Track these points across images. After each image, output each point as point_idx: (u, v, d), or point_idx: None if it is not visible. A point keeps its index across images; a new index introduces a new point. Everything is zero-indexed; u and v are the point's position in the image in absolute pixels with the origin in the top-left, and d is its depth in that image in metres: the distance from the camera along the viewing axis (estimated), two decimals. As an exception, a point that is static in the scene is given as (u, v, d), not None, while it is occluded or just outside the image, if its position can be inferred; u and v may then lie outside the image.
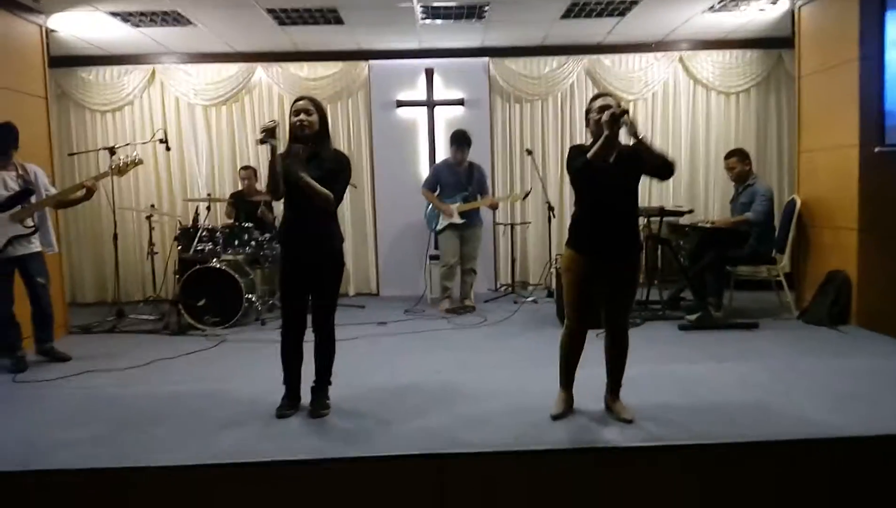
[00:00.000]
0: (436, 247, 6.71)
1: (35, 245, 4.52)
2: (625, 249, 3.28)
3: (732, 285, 5.71)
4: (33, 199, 4.49)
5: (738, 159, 5.64)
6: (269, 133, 3.28)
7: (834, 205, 5.46)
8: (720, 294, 5.47)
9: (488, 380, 3.99)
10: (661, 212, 5.39)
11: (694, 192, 7.51)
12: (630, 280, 3.33)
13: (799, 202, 5.68)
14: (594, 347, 3.44)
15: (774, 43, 7.15)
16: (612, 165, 3.13)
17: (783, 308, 5.68)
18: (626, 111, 3.06)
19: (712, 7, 6.07)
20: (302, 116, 3.36)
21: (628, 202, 3.29)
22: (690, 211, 5.87)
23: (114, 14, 5.66)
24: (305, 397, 3.55)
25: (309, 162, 3.40)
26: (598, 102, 3.24)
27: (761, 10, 6.22)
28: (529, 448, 2.92)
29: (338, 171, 3.44)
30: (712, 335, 4.98)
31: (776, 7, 6.18)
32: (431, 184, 6.45)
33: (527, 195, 7.04)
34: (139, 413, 3.55)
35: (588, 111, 3.30)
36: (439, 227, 6.35)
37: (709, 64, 7.32)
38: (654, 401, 3.49)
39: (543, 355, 4.44)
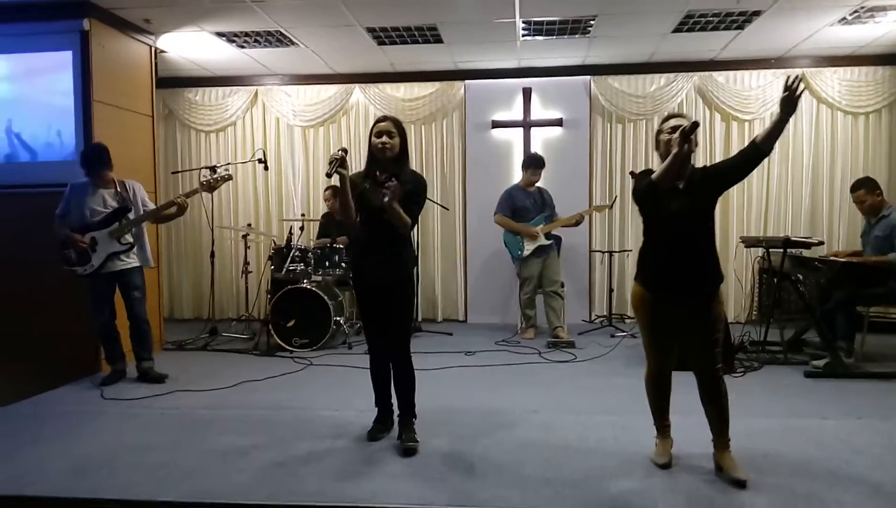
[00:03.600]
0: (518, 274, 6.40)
1: (133, 261, 4.61)
2: (697, 283, 2.91)
3: (866, 327, 5.06)
4: (131, 215, 4.57)
5: (866, 191, 5.02)
6: (337, 164, 3.13)
7: None
8: (852, 338, 4.84)
9: (592, 426, 3.62)
10: (786, 243, 4.82)
11: (816, 222, 6.87)
12: (706, 317, 2.90)
13: (947, 237, 4.99)
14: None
15: (911, 58, 6.48)
16: (682, 190, 2.88)
17: (922, 356, 5.01)
18: (698, 124, 2.71)
19: (844, 19, 5.51)
20: (385, 139, 3.26)
21: (701, 231, 2.92)
22: (820, 243, 5.24)
23: (219, 35, 5.77)
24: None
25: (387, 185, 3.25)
26: (671, 123, 2.95)
27: (900, 21, 5.60)
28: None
29: (417, 193, 3.32)
30: (844, 384, 4.40)
31: (919, 18, 5.55)
32: (507, 209, 6.15)
33: (613, 203, 6.71)
34: (224, 441, 3.45)
35: (658, 133, 3.01)
36: (526, 253, 6.04)
37: (835, 82, 6.71)
38: (787, 465, 3.03)
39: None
